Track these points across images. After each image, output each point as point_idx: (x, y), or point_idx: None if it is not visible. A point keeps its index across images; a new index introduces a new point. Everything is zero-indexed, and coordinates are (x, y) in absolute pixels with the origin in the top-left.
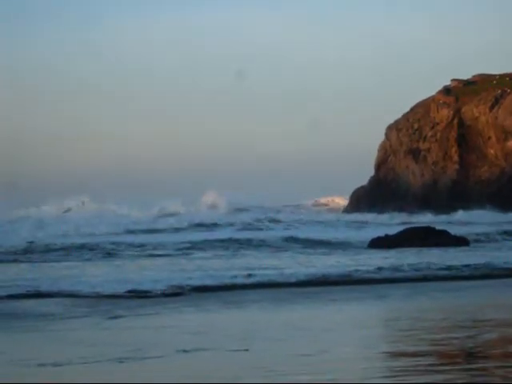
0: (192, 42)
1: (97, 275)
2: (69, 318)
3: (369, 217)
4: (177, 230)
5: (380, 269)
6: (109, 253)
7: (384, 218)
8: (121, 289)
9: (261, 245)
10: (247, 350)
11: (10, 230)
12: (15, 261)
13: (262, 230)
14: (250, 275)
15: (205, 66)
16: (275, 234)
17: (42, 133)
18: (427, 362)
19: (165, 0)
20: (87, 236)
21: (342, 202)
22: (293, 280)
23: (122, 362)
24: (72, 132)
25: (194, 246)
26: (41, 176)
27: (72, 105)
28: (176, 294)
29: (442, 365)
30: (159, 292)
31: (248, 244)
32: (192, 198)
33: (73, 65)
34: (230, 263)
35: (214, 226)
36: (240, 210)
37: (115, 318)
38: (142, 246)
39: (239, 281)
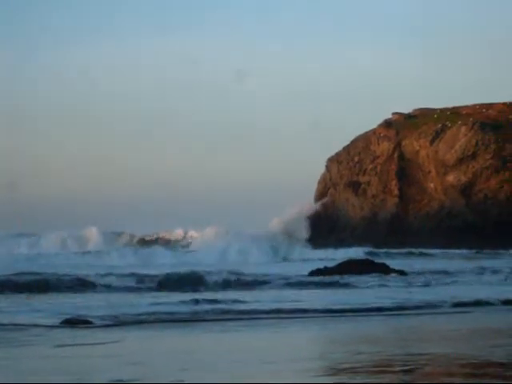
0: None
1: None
2: (17, 346)
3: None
4: None
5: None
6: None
7: (323, 251)
8: (62, 318)
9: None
10: (182, 380)
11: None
12: None
13: None
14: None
15: None
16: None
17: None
18: None
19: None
20: None
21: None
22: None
23: None
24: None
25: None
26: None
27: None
28: (122, 323)
29: None
30: (105, 322)
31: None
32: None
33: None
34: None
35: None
36: None
37: (60, 346)
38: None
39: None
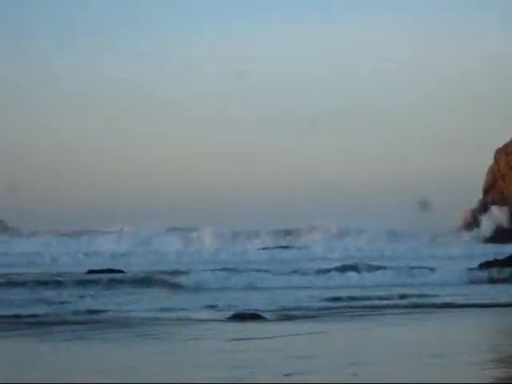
0: None
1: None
2: (189, 339)
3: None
4: None
5: None
6: None
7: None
8: (231, 312)
9: None
10: (354, 373)
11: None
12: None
13: None
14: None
15: None
16: None
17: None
18: None
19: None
20: None
21: None
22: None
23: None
24: None
25: None
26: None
27: None
28: (293, 317)
29: None
30: (273, 316)
31: None
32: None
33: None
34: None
35: None
36: None
37: (230, 340)
38: None
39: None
